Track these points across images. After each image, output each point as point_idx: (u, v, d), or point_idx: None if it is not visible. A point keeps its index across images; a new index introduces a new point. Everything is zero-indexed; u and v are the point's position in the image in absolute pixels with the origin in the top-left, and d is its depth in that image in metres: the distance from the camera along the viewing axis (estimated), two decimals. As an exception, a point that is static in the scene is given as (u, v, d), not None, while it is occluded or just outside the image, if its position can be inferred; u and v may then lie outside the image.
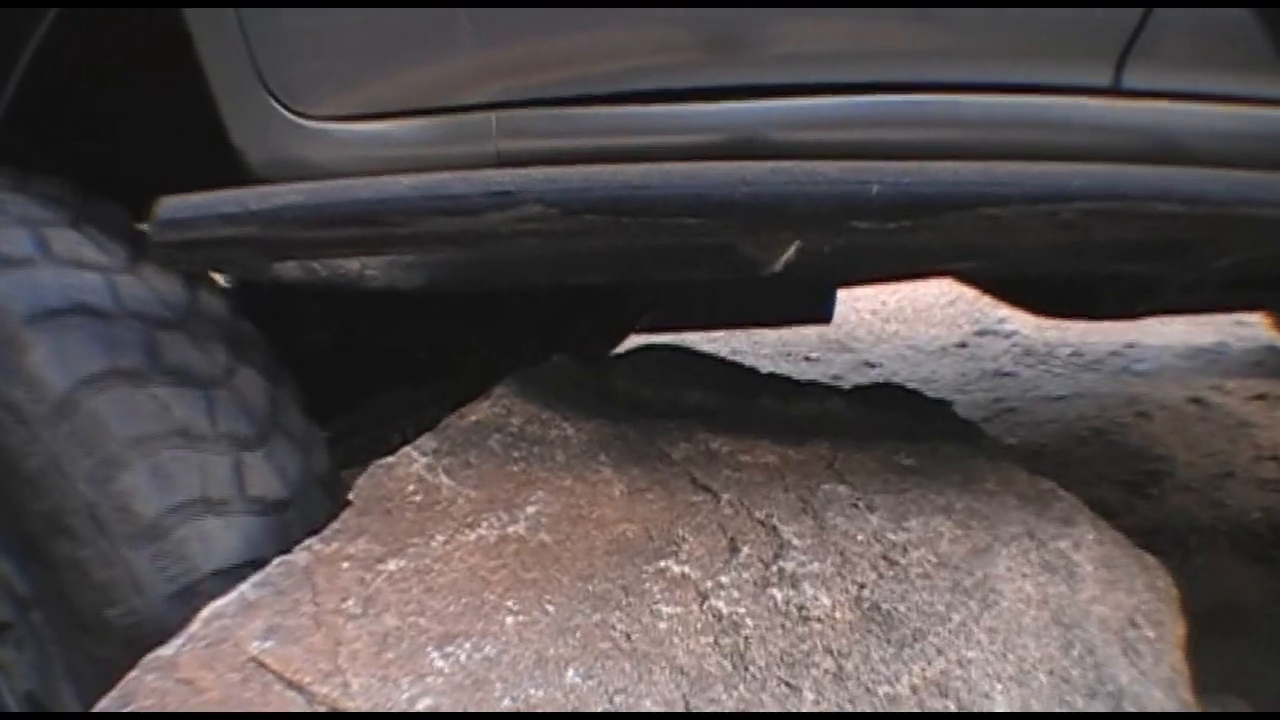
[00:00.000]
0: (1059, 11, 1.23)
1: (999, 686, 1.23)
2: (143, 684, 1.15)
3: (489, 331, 1.95)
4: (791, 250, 1.28)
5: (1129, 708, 1.28)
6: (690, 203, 1.16)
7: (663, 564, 1.25)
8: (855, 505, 1.34)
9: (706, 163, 1.18)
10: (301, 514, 1.33)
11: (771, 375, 1.53)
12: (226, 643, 1.16)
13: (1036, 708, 1.24)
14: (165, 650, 1.17)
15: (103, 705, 1.15)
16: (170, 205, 1.25)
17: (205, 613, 1.18)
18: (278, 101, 1.26)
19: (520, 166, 1.20)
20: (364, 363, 1.87)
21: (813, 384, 1.54)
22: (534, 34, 1.24)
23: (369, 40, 1.25)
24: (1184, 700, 1.34)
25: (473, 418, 1.37)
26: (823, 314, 2.04)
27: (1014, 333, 2.77)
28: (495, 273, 1.45)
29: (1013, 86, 1.25)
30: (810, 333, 2.20)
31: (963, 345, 2.75)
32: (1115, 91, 1.25)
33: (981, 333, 2.79)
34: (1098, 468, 1.45)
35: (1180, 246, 1.39)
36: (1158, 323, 2.66)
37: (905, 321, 2.16)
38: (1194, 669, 1.35)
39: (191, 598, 1.23)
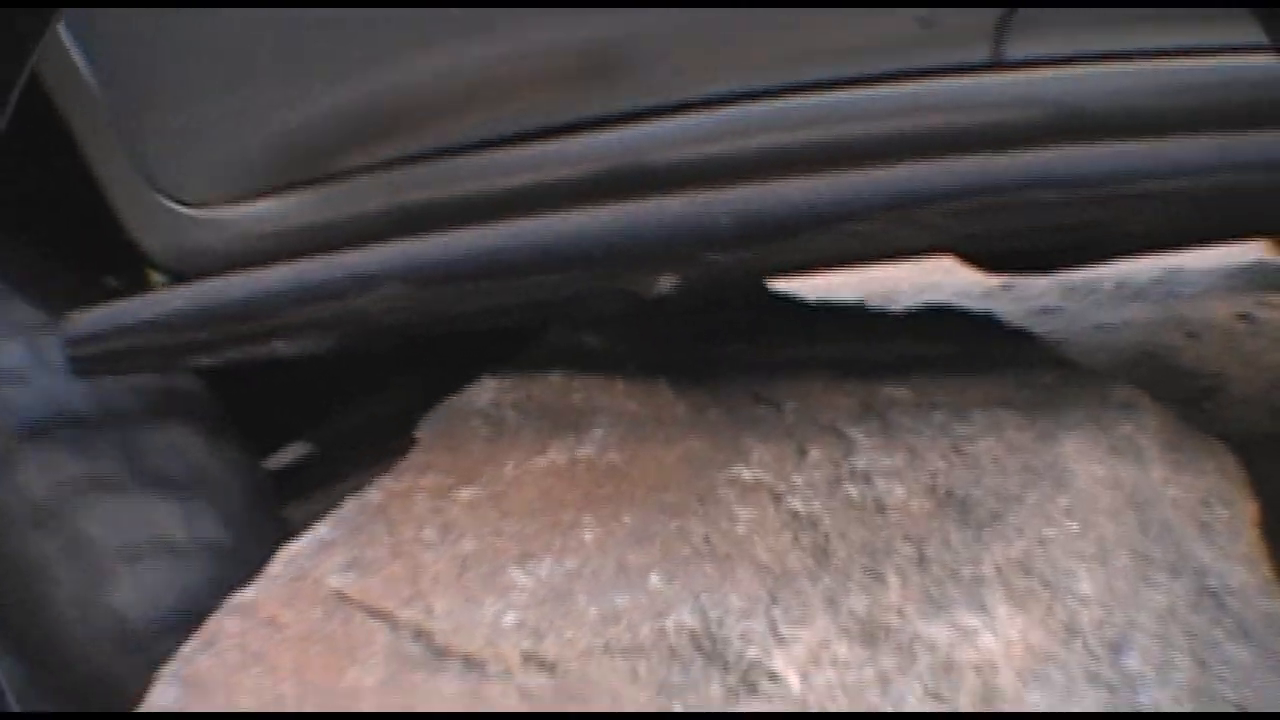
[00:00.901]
0: None
1: (1082, 566, 1.22)
2: (224, 627, 1.17)
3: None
4: (670, 279, 1.26)
5: (1213, 584, 1.27)
6: (541, 260, 1.19)
7: (734, 471, 1.25)
8: (918, 405, 1.34)
9: (555, 216, 1.19)
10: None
11: (820, 304, 1.54)
12: (306, 579, 1.18)
13: (1121, 586, 1.23)
14: (246, 593, 1.19)
15: (185, 651, 1.17)
16: (76, 321, 1.29)
17: (282, 554, 1.20)
18: (161, 194, 1.30)
19: (402, 222, 1.23)
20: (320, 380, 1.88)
21: (861, 305, 1.55)
22: (395, 94, 1.26)
23: (234, 123, 1.30)
24: (1266, 577, 1.32)
25: (529, 360, 1.39)
26: None
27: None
28: (399, 333, 1.45)
29: (891, 75, 1.21)
30: (852, 283, 2.19)
31: (1006, 287, 2.76)
32: (999, 65, 1.20)
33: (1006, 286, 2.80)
34: (1153, 388, 1.44)
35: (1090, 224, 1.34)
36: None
37: (946, 271, 2.16)
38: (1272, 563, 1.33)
39: None
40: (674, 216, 1.17)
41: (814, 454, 1.28)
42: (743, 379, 1.37)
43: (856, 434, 1.30)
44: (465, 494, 1.23)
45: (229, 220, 1.31)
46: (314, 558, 1.19)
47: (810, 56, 1.23)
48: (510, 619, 1.13)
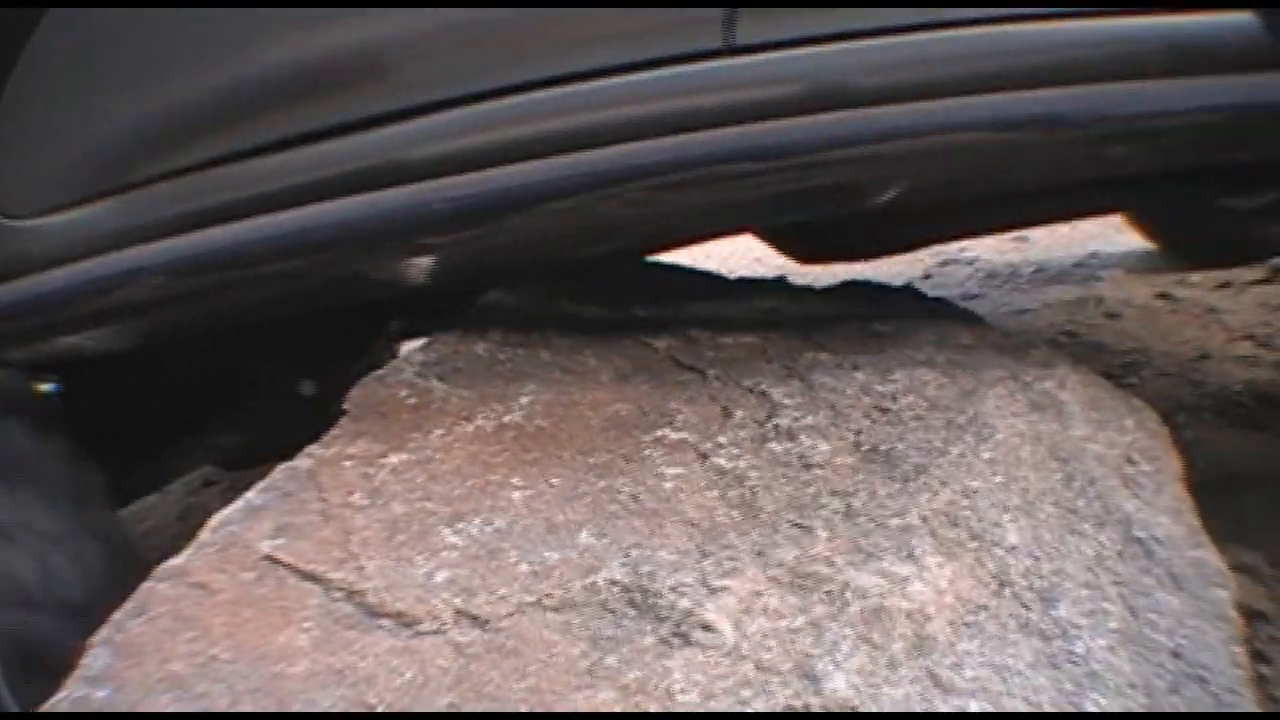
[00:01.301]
0: None
1: (1007, 516, 1.25)
2: (156, 593, 1.16)
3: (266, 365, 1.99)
4: (426, 262, 1.41)
5: (1139, 534, 1.30)
6: (282, 248, 1.31)
7: (660, 433, 1.27)
8: (839, 367, 1.36)
9: (293, 211, 1.30)
10: None
11: (741, 278, 1.56)
12: (236, 546, 1.18)
13: (1047, 537, 1.26)
14: (176, 560, 1.18)
15: (117, 616, 1.16)
16: None
17: (213, 521, 1.20)
18: None
19: (184, 225, 1.34)
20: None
21: (780, 280, 1.57)
22: (177, 109, 1.37)
23: (43, 140, 1.41)
24: (1192, 525, 1.35)
25: (456, 331, 1.40)
26: None
27: (975, 259, 2.82)
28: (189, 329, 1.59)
29: (632, 65, 1.28)
30: (777, 270, 2.23)
31: (927, 276, 2.80)
32: (730, 50, 1.27)
33: (944, 263, 2.85)
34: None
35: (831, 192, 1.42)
36: (1114, 230, 2.71)
37: (872, 267, 2.22)
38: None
39: None
40: (395, 203, 1.27)
41: (739, 414, 1.29)
42: (667, 349, 1.38)
43: (780, 395, 1.32)
44: (394, 459, 1.23)
45: (46, 229, 1.39)
46: (244, 524, 1.18)
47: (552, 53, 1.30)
48: (441, 577, 1.13)
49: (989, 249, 2.81)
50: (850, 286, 1.59)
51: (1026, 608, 1.20)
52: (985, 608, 1.19)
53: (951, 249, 2.82)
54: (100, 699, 1.09)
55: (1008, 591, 1.20)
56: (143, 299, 1.37)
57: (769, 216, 1.63)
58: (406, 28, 1.30)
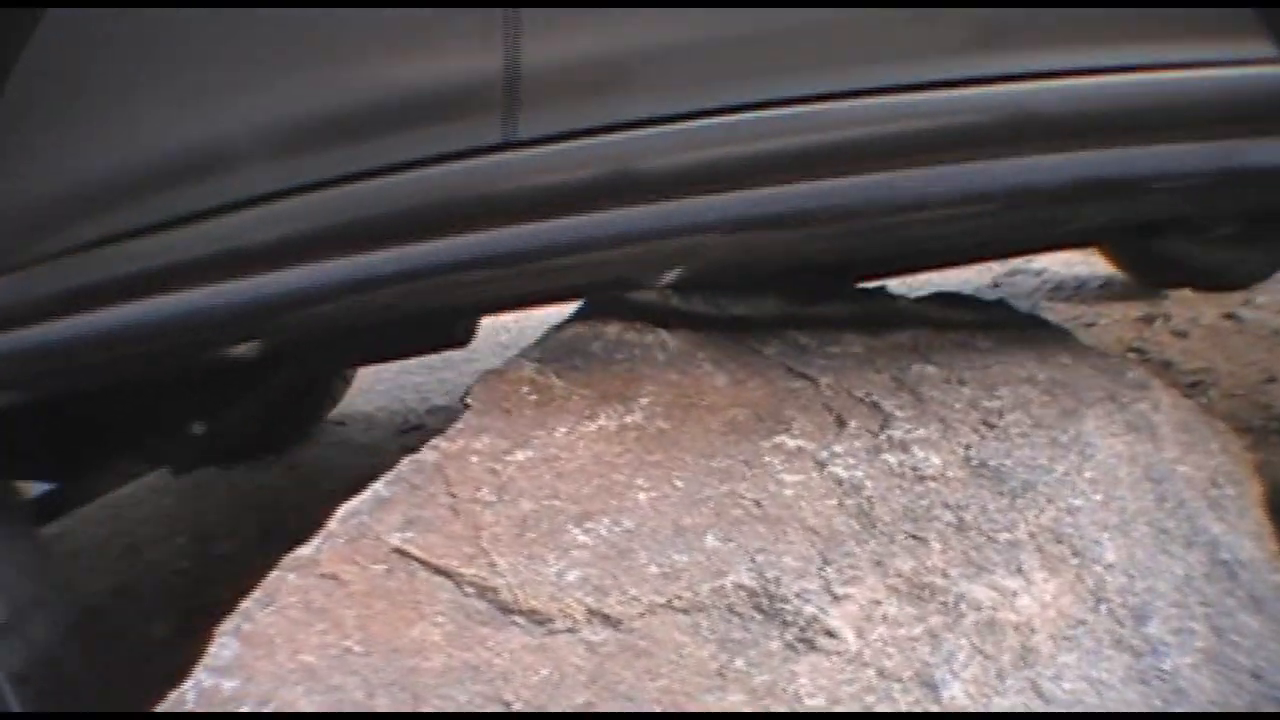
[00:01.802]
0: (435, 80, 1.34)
1: (1105, 534, 1.27)
2: (285, 583, 1.17)
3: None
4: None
5: (1224, 556, 1.32)
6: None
7: (777, 439, 1.28)
8: (946, 381, 1.38)
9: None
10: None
11: (840, 284, 1.58)
12: (366, 537, 1.18)
13: (1140, 556, 1.28)
14: (304, 550, 1.19)
15: (245, 605, 1.17)
16: None
17: (340, 512, 1.21)
18: None
19: (93, 300, 1.46)
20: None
21: (881, 290, 1.59)
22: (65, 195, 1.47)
23: None
24: (1272, 551, 1.38)
25: (569, 332, 1.41)
26: (462, 339, 2.25)
27: (1043, 270, 2.83)
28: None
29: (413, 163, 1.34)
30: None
31: (995, 285, 2.82)
32: (514, 144, 1.31)
33: (1012, 272, 2.86)
34: (1142, 381, 1.50)
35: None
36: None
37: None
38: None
39: None
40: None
41: (852, 424, 1.31)
42: (777, 355, 1.40)
43: (891, 406, 1.34)
44: (520, 456, 1.24)
45: None
46: (372, 515, 1.19)
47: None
48: (573, 576, 1.14)
49: (1057, 261, 2.82)
50: (945, 298, 1.61)
51: (1120, 624, 1.22)
52: (1083, 622, 1.21)
53: (1018, 259, 2.84)
54: (229, 690, 1.09)
55: (1103, 608, 1.22)
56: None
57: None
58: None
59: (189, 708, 1.10)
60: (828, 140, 1.30)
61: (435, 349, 2.69)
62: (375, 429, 3.33)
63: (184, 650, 2.24)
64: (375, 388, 3.67)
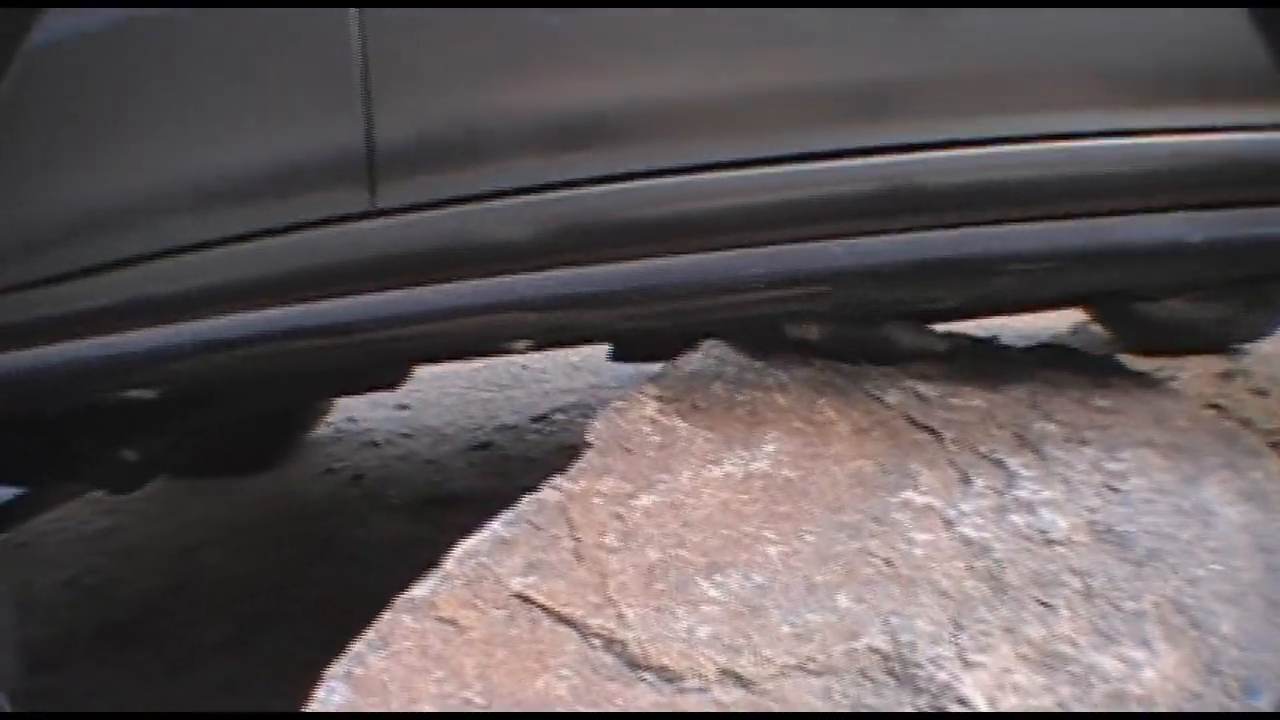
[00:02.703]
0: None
1: (1221, 606, 1.24)
2: (400, 625, 1.13)
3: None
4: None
5: (1335, 634, 1.30)
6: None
7: (905, 495, 1.25)
8: (1069, 440, 1.35)
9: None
10: None
11: (949, 332, 1.55)
12: (486, 580, 1.15)
13: (1253, 628, 1.25)
14: (419, 590, 1.15)
15: (357, 647, 1.13)
16: None
17: (457, 551, 1.17)
18: None
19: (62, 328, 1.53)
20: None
21: (994, 339, 1.56)
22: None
23: None
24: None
25: (688, 368, 1.38)
26: (393, 382, 2.44)
27: None
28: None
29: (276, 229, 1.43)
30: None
31: (1074, 333, 2.80)
32: (376, 212, 1.39)
33: (1075, 330, 2.84)
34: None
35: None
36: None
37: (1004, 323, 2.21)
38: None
39: None
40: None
41: (979, 483, 1.28)
42: (899, 405, 1.36)
43: (1016, 465, 1.31)
44: (645, 501, 1.21)
45: None
46: (492, 556, 1.16)
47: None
48: (704, 632, 1.11)
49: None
50: (1055, 351, 1.58)
51: (1231, 698, 1.20)
52: (1199, 696, 1.19)
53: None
54: None
55: (1216, 680, 1.20)
56: None
57: None
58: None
59: (292, 756, 1.06)
60: (656, 215, 1.35)
61: (362, 391, 2.98)
62: (443, 444, 3.30)
63: (235, 660, 2.21)
64: (442, 402, 3.64)
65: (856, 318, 1.49)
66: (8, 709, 1.64)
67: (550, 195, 1.34)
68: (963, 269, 1.30)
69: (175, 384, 1.69)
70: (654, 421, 1.30)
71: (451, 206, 1.37)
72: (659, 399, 1.33)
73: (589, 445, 1.27)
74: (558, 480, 1.23)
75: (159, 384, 1.63)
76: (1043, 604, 1.19)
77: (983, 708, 1.10)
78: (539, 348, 1.88)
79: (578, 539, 1.17)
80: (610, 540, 1.17)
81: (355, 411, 3.66)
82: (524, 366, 3.82)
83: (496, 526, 1.19)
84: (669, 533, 1.18)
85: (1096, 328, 2.83)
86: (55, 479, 2.17)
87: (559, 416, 3.37)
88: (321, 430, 3.54)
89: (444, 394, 3.72)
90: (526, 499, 1.21)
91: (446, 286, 1.35)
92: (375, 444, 3.42)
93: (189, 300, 1.47)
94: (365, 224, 1.39)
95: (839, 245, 1.28)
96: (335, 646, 2.21)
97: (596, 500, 1.21)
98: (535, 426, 3.36)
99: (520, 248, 1.35)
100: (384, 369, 2.08)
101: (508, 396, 3.64)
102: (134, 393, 1.65)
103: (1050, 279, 1.40)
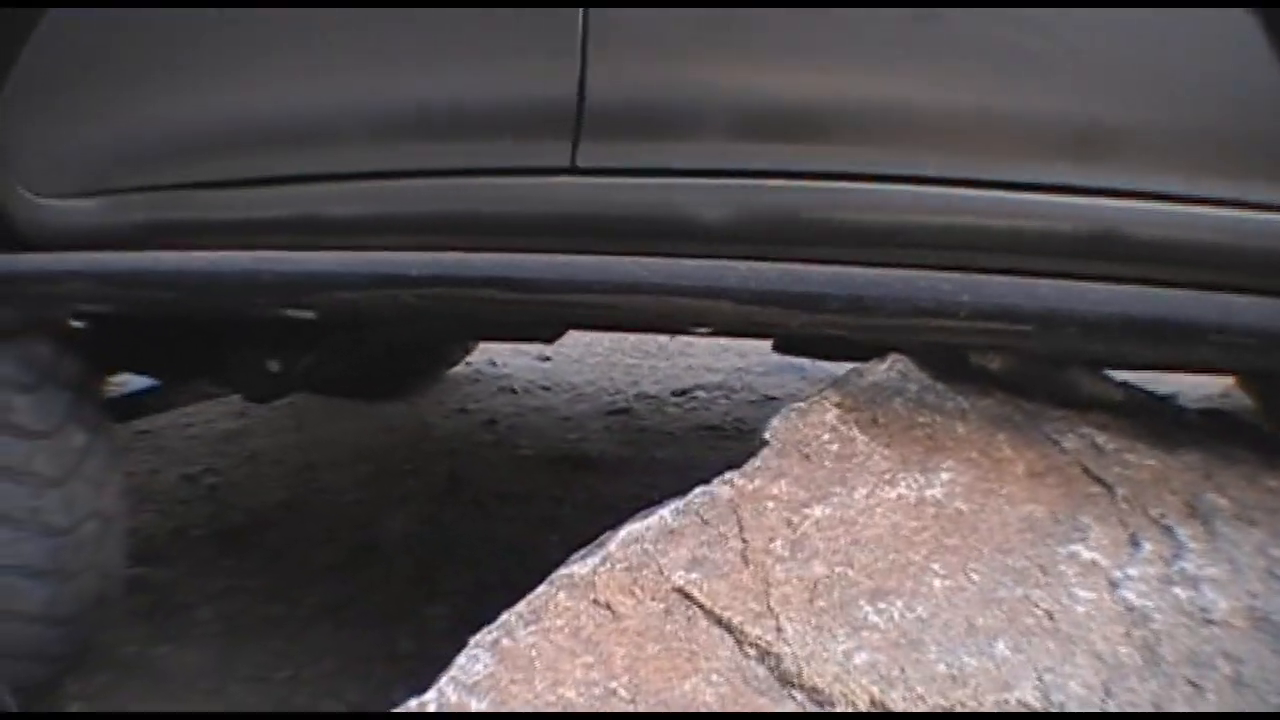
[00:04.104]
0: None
1: (1363, 709, 1.22)
2: (554, 601, 1.13)
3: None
4: None
5: None
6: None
7: (1073, 548, 1.24)
8: (1238, 518, 1.33)
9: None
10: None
11: (1125, 383, 1.52)
12: (648, 568, 1.15)
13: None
14: (578, 568, 1.15)
15: (507, 617, 1.13)
16: None
17: (621, 534, 1.17)
18: (19, 184, 1.69)
19: (161, 233, 1.63)
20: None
21: (1173, 398, 1.53)
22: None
23: (60, 146, 1.70)
24: None
25: (870, 379, 1.36)
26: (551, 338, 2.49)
27: None
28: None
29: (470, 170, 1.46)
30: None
31: (1225, 395, 2.74)
32: (574, 170, 1.39)
33: (1225, 394, 2.78)
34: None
35: None
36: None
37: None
38: None
39: None
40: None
41: (1147, 548, 1.26)
42: (1075, 452, 1.34)
43: (1184, 535, 1.28)
44: (817, 512, 1.20)
45: (60, 209, 1.68)
46: (657, 545, 1.16)
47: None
48: (861, 659, 1.11)
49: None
50: (1230, 421, 1.54)
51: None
52: (1321, 796, 1.17)
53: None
54: (476, 710, 1.05)
55: (1341, 784, 1.18)
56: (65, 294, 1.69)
57: None
58: None
59: (430, 722, 1.05)
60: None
61: (517, 341, 3.13)
62: (580, 402, 3.31)
63: (340, 586, 2.23)
64: (585, 360, 3.65)
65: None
66: (12, 708, 1.69)
67: (753, 183, 1.33)
68: (1172, 331, 1.27)
69: (340, 311, 1.73)
70: (834, 430, 1.29)
71: (652, 177, 1.36)
72: (839, 406, 1.31)
73: (765, 444, 1.26)
74: (731, 476, 1.22)
75: (323, 308, 1.64)
76: (1192, 684, 1.18)
77: (1122, 783, 1.09)
78: (717, 334, 1.86)
79: (745, 540, 1.17)
80: (778, 547, 1.17)
81: (496, 355, 3.67)
82: (670, 338, 3.82)
83: (665, 514, 1.18)
84: (837, 549, 1.18)
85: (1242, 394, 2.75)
86: (194, 377, 2.23)
87: (700, 394, 3.37)
88: (460, 369, 3.56)
89: (588, 352, 3.72)
90: (698, 490, 1.21)
91: (635, 260, 1.34)
92: (513, 391, 3.43)
93: (366, 227, 1.50)
94: (563, 180, 1.38)
95: (1049, 286, 1.25)
96: (441, 591, 2.24)
97: (769, 503, 1.20)
98: (675, 400, 3.37)
99: (717, 231, 1.34)
100: (549, 326, 2.08)
101: (651, 366, 3.63)
102: (295, 312, 1.66)
103: (1253, 352, 1.36)
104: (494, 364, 3.67)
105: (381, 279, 1.44)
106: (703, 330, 1.78)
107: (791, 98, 1.33)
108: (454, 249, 1.42)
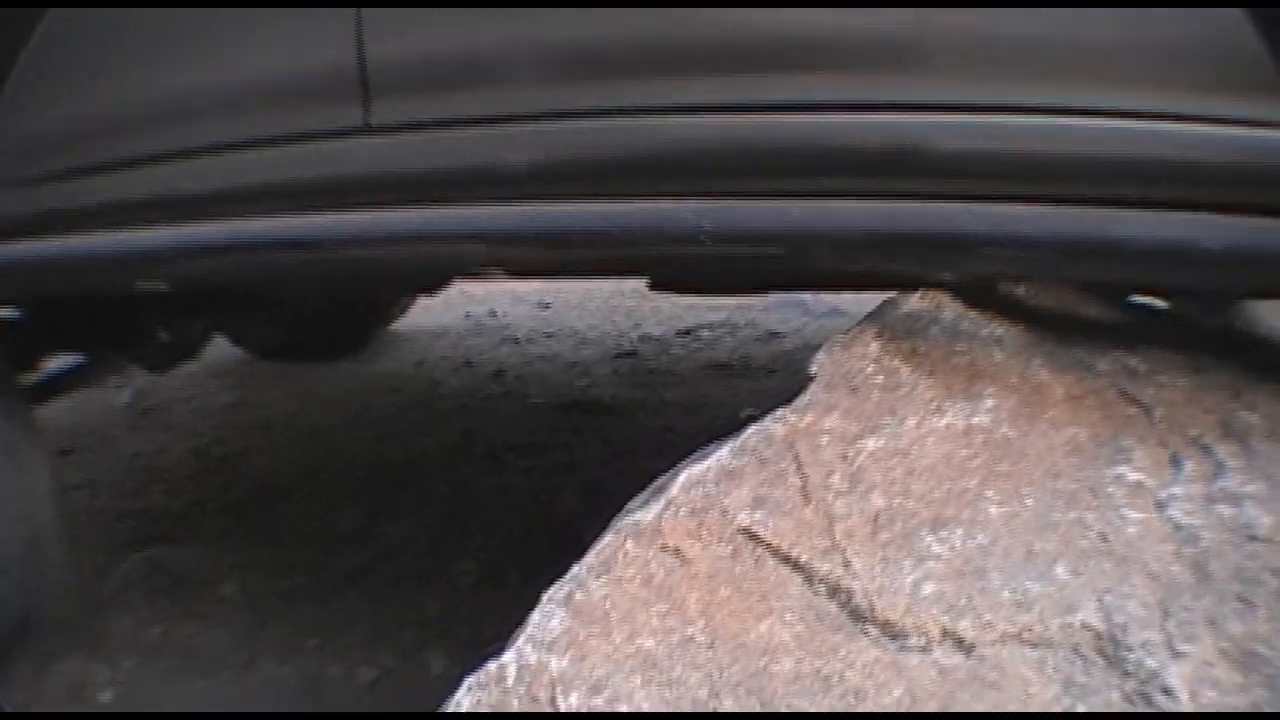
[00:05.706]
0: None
1: (1402, 624, 1.23)
2: (623, 551, 1.11)
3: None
4: None
5: None
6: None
7: (1118, 470, 1.24)
8: (1271, 436, 1.33)
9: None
10: None
11: (1148, 309, 1.51)
12: (712, 510, 1.13)
13: None
14: (643, 515, 1.13)
15: (577, 570, 1.11)
16: None
17: (682, 478, 1.15)
18: None
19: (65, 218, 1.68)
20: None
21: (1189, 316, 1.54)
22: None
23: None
24: None
25: (904, 308, 1.34)
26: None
27: None
28: None
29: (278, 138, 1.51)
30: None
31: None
32: (369, 129, 1.42)
33: None
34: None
35: None
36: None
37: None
38: None
39: None
40: None
41: (1188, 467, 1.26)
42: (1109, 374, 1.34)
43: (1223, 454, 1.29)
44: (871, 444, 1.19)
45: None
46: (719, 486, 1.14)
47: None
48: (929, 589, 1.10)
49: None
50: (1252, 337, 1.54)
51: None
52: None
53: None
54: (556, 670, 1.04)
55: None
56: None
57: None
58: None
59: (509, 683, 1.04)
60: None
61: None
62: (585, 347, 3.27)
63: (363, 551, 2.18)
64: (585, 304, 3.60)
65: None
66: (7, 709, 1.66)
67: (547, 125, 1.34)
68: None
69: (183, 280, 1.80)
70: (877, 361, 1.27)
71: (447, 129, 1.38)
72: (880, 338, 1.30)
73: (812, 378, 1.24)
74: (782, 412, 1.20)
75: (167, 279, 1.73)
76: (1243, 600, 1.18)
77: (1185, 700, 1.10)
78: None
79: (805, 476, 1.15)
80: (837, 481, 1.15)
81: (496, 305, 3.62)
82: (667, 277, 3.80)
83: (722, 455, 1.16)
84: (894, 480, 1.17)
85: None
86: (110, 351, 2.28)
87: (705, 333, 3.34)
88: (460, 321, 3.50)
89: (587, 296, 3.68)
90: (752, 428, 1.19)
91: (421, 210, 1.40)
92: (516, 340, 3.39)
93: (207, 200, 1.55)
94: (359, 140, 1.43)
95: (797, 207, 1.23)
96: (465, 548, 2.20)
97: (823, 438, 1.19)
98: (680, 340, 3.34)
99: (520, 175, 1.35)
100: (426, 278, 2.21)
101: (652, 307, 3.60)
102: (145, 284, 1.76)
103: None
104: (494, 314, 3.63)
105: (192, 250, 1.54)
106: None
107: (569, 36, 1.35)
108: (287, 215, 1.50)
